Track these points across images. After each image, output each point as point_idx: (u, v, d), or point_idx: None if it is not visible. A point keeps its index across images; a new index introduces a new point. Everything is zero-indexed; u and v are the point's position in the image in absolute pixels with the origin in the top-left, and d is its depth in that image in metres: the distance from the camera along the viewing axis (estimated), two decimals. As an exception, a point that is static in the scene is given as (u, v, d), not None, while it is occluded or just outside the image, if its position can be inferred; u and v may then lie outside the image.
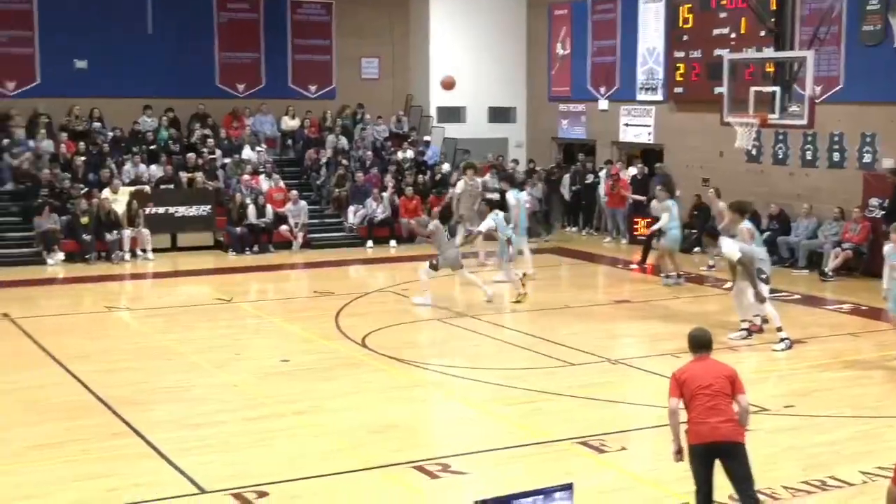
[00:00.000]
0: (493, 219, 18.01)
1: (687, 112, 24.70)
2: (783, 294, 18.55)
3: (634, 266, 21.63)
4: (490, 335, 15.34)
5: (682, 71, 24.74)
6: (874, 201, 20.35)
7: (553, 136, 29.19)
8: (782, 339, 14.28)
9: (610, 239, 25.47)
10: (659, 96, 25.61)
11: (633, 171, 25.99)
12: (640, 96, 26.17)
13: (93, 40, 25.63)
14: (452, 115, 29.21)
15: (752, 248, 14.57)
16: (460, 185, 22.51)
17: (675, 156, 25.21)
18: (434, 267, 17.09)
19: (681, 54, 24.73)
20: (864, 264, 19.51)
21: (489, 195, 25.36)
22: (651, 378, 13.04)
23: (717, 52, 22.55)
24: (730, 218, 15.64)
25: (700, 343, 8.03)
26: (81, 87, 25.53)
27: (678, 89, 24.93)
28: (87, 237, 21.75)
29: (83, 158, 23.86)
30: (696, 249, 22.79)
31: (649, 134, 26.12)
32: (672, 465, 9.60)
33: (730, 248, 14.41)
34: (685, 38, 24.56)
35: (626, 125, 26.70)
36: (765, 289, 14.44)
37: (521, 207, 20.03)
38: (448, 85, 16.91)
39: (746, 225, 15.03)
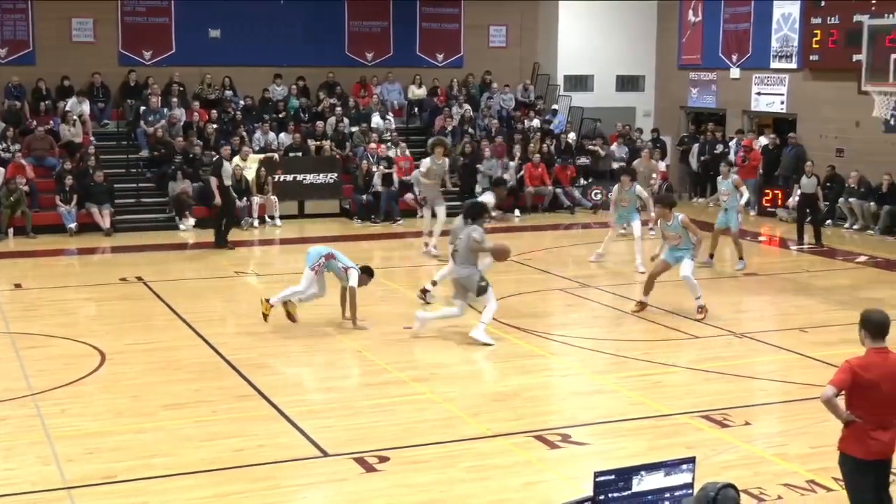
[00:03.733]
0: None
1: (822, 80, 23.98)
2: (920, 269, 17.99)
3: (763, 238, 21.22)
4: (613, 306, 15.20)
5: (818, 38, 23.99)
6: None
7: (682, 104, 28.67)
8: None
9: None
10: (793, 64, 24.91)
11: (764, 141, 25.43)
12: (774, 64, 25.48)
13: (226, 10, 26.10)
14: (580, 83, 28.92)
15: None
16: (425, 164, 19.25)
17: (809, 126, 24.53)
18: None
19: (818, 20, 23.98)
20: None
21: (616, 165, 25.21)
22: (778, 353, 12.78)
23: (857, 17, 21.78)
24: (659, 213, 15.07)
25: (882, 329, 6.81)
26: (214, 56, 26.08)
27: (814, 57, 24.20)
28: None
29: (215, 126, 24.36)
30: (829, 222, 22.24)
31: (782, 103, 25.45)
32: (798, 442, 9.45)
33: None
34: (823, 3, 23.80)
35: (759, 94, 26.06)
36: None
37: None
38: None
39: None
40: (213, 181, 20.19)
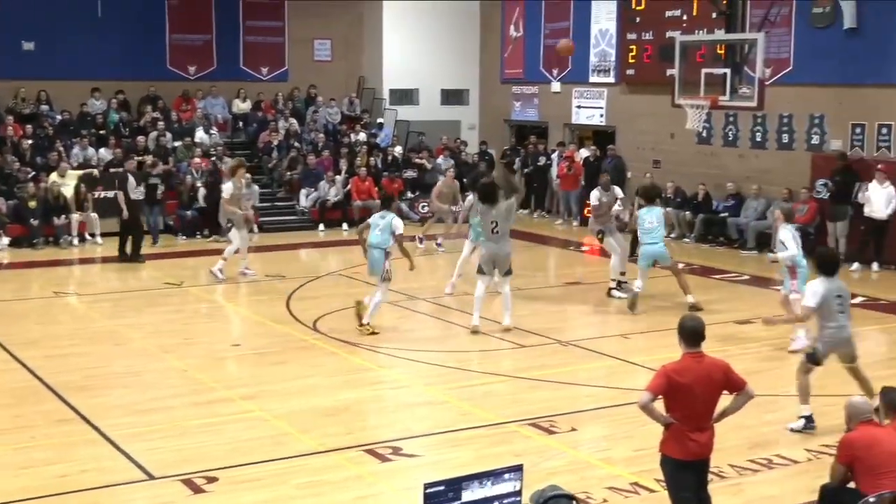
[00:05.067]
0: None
1: (638, 94, 24.80)
2: (732, 274, 18.74)
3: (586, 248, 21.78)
4: (441, 318, 15.33)
5: (634, 53, 24.83)
6: (821, 182, 20.55)
7: (506, 118, 29.20)
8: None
9: (562, 221, 25.56)
10: (611, 78, 25.70)
11: (585, 153, 26.11)
12: (593, 78, 26.24)
13: (40, 22, 25.24)
14: (405, 97, 29.16)
15: None
16: (227, 189, 18.18)
17: (627, 138, 25.33)
18: None
19: (633, 36, 24.81)
20: (811, 245, 19.67)
21: (441, 178, 25.41)
22: (602, 359, 13.12)
23: (669, 34, 22.64)
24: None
25: (697, 336, 7.11)
26: (29, 69, 25.16)
27: (630, 71, 25.02)
28: (34, 221, 21.47)
29: (30, 142, 23.55)
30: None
31: (601, 116, 26.21)
32: (622, 446, 9.72)
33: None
34: (637, 20, 24.63)
35: (579, 107, 26.77)
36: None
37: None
38: (565, 50, 15.54)
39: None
40: (121, 195, 19.94)
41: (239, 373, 12.56)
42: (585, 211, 24.71)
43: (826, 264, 10.17)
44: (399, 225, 14.18)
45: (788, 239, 13.72)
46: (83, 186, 22.24)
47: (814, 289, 10.09)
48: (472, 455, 9.56)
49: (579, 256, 21.85)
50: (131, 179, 20.16)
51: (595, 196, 17.15)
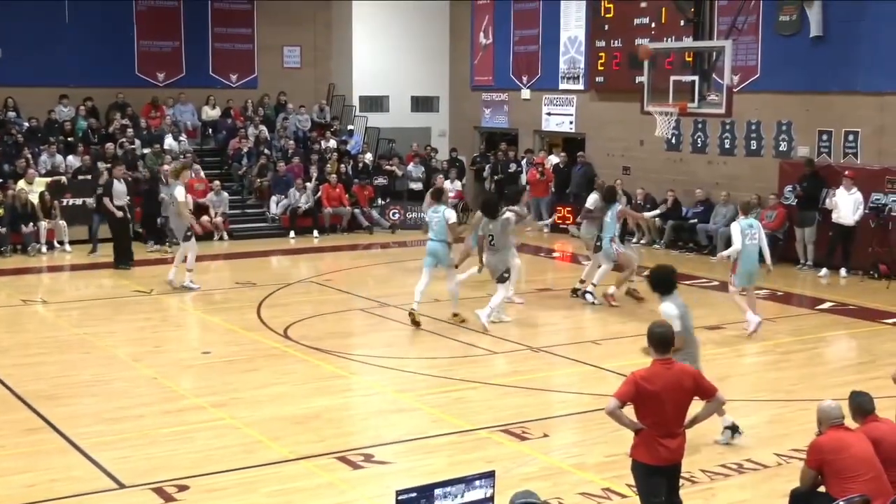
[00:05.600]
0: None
1: (608, 101, 24.91)
2: (701, 280, 18.84)
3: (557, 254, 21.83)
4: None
5: (603, 60, 24.94)
6: (789, 188, 20.72)
7: (476, 125, 29.25)
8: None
9: (532, 228, 25.60)
10: (580, 85, 25.79)
11: (554, 159, 26.19)
12: (562, 85, 26.32)
13: (8, 28, 25.06)
14: (375, 104, 29.15)
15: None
16: (181, 192, 17.65)
17: (596, 145, 25.43)
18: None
19: (602, 44, 24.92)
20: (780, 250, 19.85)
21: (412, 185, 25.49)
22: (573, 365, 13.16)
23: (638, 41, 22.75)
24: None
25: (665, 342, 7.17)
26: (-5, 76, 25.02)
27: (599, 79, 25.13)
28: (1, 229, 21.30)
29: (-3, 149, 23.38)
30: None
31: (571, 123, 26.29)
32: (593, 452, 9.75)
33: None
34: (606, 27, 24.75)
35: (548, 114, 26.85)
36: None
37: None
38: (645, 54, 16.56)
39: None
40: (107, 201, 19.91)
41: (209, 381, 12.48)
42: (556, 218, 24.95)
43: (661, 283, 9.44)
44: (451, 215, 14.99)
45: (735, 232, 14.02)
46: (47, 194, 22.04)
47: (671, 313, 9.16)
48: (444, 462, 9.56)
49: (550, 263, 21.91)
50: (117, 185, 20.07)
51: (593, 200, 17.24)
